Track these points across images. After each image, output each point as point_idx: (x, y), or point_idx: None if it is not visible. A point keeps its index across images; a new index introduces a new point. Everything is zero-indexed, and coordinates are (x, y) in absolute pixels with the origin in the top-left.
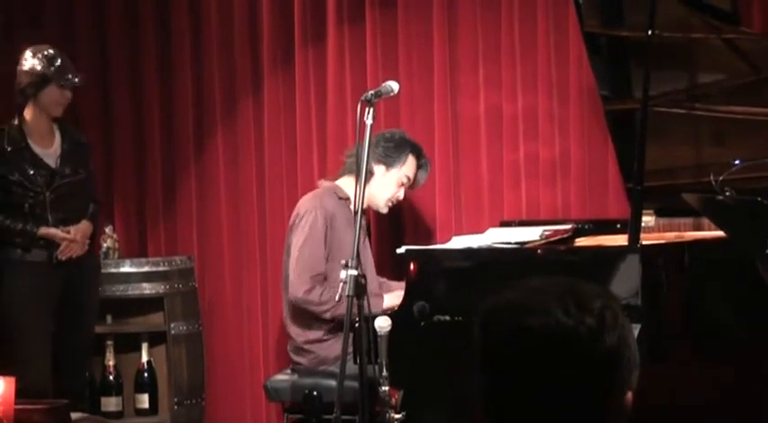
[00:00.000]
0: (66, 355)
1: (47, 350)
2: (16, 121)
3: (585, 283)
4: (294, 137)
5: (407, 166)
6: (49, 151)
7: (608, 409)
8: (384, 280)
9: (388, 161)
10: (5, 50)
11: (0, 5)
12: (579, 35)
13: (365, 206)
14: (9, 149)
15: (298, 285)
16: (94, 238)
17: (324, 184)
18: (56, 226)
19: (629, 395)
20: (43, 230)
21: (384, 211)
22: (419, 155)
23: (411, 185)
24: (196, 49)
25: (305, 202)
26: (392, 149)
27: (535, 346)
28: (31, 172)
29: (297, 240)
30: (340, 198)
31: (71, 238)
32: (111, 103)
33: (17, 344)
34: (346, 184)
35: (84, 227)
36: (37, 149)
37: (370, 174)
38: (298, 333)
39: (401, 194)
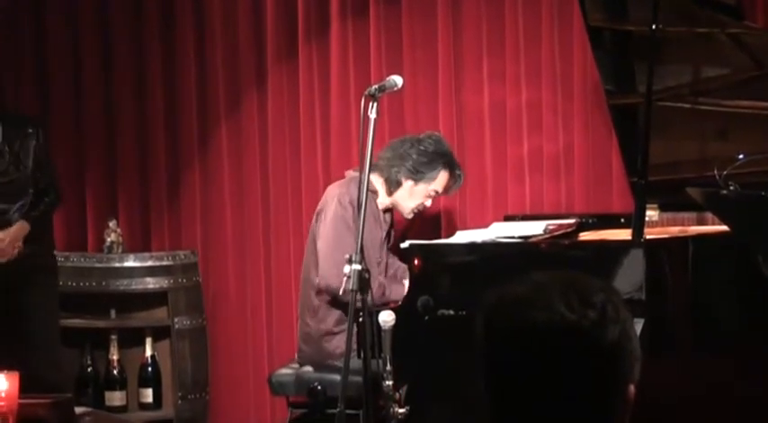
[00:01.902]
0: (26, 356)
1: None
2: None
3: (587, 277)
4: (298, 131)
5: (438, 182)
6: None
7: (610, 403)
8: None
9: (418, 176)
10: (10, 40)
11: None
12: (583, 29)
13: (390, 206)
14: None
15: (333, 276)
16: (44, 236)
17: (350, 173)
18: None
19: (632, 388)
20: None
21: (408, 217)
22: (452, 168)
23: (442, 193)
24: (200, 43)
25: (332, 190)
26: (424, 165)
27: (538, 341)
28: None
29: (328, 228)
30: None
31: None
32: (115, 97)
33: None
34: (372, 178)
35: (14, 231)
36: None
37: (398, 184)
38: (308, 322)
39: (428, 203)
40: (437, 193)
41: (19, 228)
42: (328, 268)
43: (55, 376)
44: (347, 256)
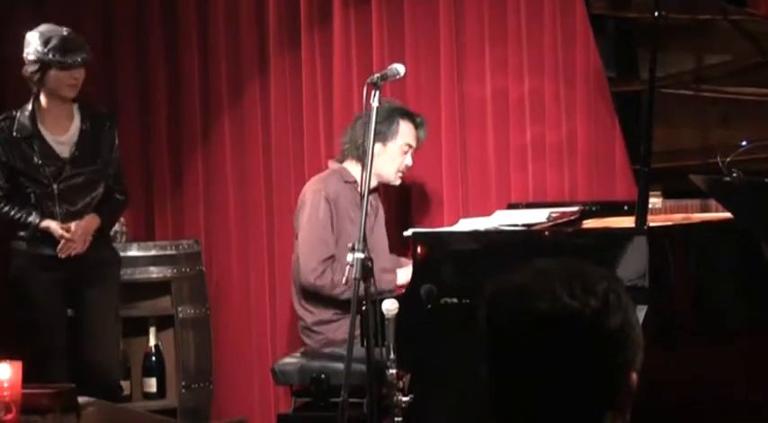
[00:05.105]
0: (86, 356)
1: (61, 340)
2: (30, 106)
3: (589, 265)
4: (300, 120)
5: (402, 134)
6: (63, 138)
7: (613, 391)
8: (393, 256)
9: (381, 137)
10: (10, 32)
11: None
12: (586, 17)
13: (376, 184)
14: (17, 136)
15: (308, 271)
16: (107, 232)
17: (332, 165)
18: (65, 219)
19: (634, 376)
20: (44, 223)
21: (397, 182)
22: (410, 117)
23: (415, 148)
24: (202, 32)
25: (310, 186)
26: (382, 124)
27: (540, 328)
28: (38, 162)
29: (303, 224)
30: (346, 181)
31: (68, 236)
32: (117, 85)
33: (32, 339)
34: (351, 166)
35: (86, 223)
36: (49, 137)
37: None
38: (306, 314)
39: (409, 161)
40: (410, 146)
41: (90, 221)
42: (302, 265)
43: (110, 362)
44: (350, 244)
